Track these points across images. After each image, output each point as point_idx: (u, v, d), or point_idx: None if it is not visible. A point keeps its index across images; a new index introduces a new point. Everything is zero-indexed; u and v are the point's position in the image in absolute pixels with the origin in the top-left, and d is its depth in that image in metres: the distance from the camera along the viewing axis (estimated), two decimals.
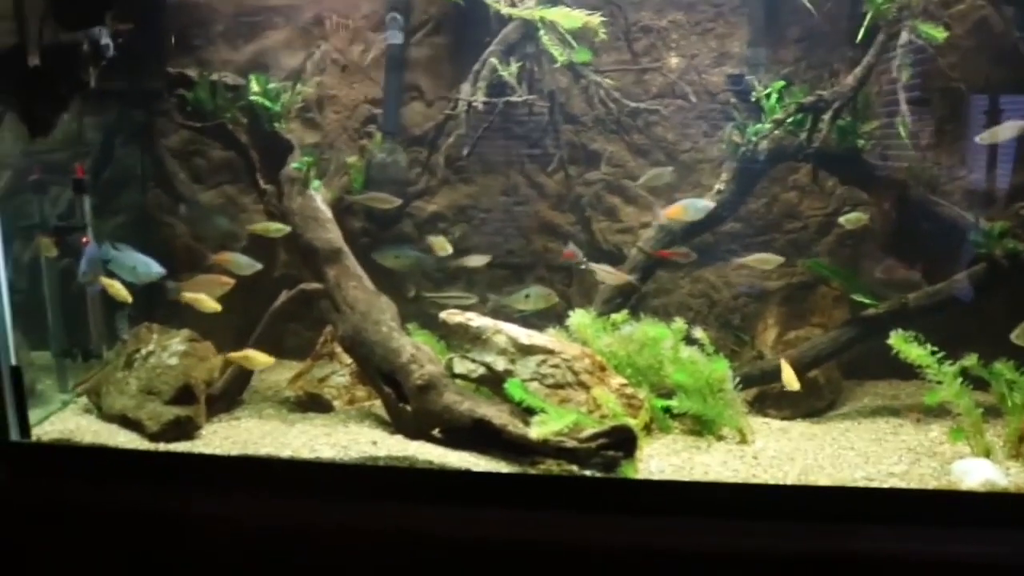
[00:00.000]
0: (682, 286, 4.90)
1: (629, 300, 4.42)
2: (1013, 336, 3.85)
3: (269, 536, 3.31)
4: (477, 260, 4.62)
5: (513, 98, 4.39)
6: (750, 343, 4.64)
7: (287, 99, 4.51)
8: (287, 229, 4.30)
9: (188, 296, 4.12)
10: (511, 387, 3.63)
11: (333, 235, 4.26)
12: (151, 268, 4.20)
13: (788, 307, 4.70)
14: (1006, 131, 4.19)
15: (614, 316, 4.22)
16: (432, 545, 3.23)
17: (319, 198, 4.34)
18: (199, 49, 4.94)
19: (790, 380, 3.98)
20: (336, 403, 4.37)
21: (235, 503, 3.42)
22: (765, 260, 4.41)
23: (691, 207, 4.30)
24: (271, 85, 4.45)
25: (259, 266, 4.30)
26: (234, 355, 4.10)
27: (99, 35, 3.83)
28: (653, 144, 4.81)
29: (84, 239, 4.34)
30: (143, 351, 4.20)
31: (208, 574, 3.36)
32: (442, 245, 4.51)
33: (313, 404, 4.35)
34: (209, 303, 4.09)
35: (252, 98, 4.40)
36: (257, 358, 4.06)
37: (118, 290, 4.13)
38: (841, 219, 4.44)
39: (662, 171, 4.51)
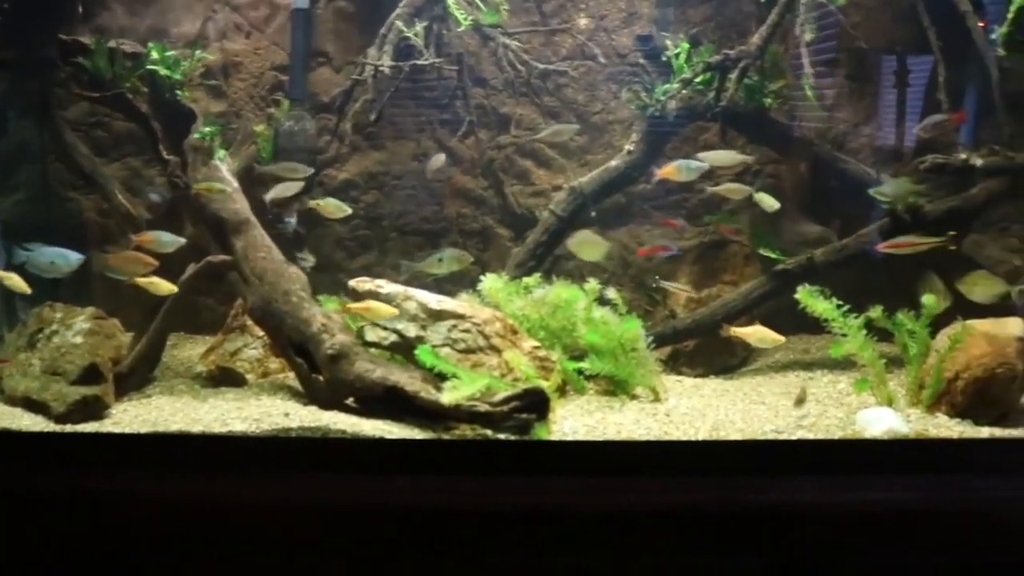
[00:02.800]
0: None
1: (542, 263, 4.43)
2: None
3: (182, 513, 3.26)
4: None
5: (420, 61, 4.34)
6: (663, 302, 4.69)
7: (188, 67, 4.39)
8: (224, 188, 4.19)
9: (142, 281, 4.00)
10: (421, 353, 3.62)
11: (240, 205, 4.17)
12: (69, 258, 4.07)
13: (700, 266, 4.76)
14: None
15: (526, 279, 4.22)
16: (347, 514, 3.21)
17: (224, 168, 4.25)
18: (94, 15, 4.76)
19: (768, 338, 3.99)
20: (249, 376, 4.31)
21: (145, 481, 3.35)
22: (734, 190, 4.46)
23: (684, 167, 4.25)
24: (170, 52, 4.33)
25: (182, 241, 4.17)
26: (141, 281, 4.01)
27: None
28: (564, 106, 4.81)
29: None
30: (46, 331, 4.06)
31: (120, 554, 3.29)
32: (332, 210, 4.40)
33: (225, 378, 4.28)
34: (165, 285, 3.98)
35: (151, 66, 4.27)
36: (161, 285, 3.99)
37: (16, 282, 4.01)
38: (755, 197, 4.45)
39: (565, 127, 4.51)
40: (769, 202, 4.33)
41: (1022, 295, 3.78)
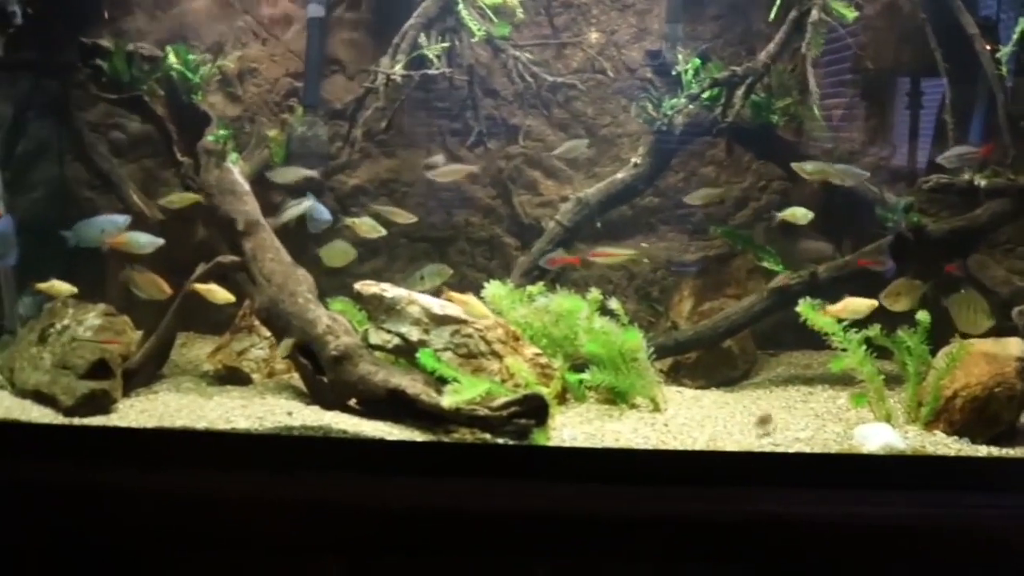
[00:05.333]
0: None
1: (547, 272, 4.48)
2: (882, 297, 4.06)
3: (185, 507, 3.30)
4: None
5: (431, 71, 4.40)
6: (665, 314, 4.72)
7: (206, 71, 4.46)
8: (197, 198, 4.26)
9: (200, 287, 4.09)
10: (423, 357, 3.66)
11: (250, 207, 4.24)
12: (117, 221, 4.17)
13: (704, 279, 4.78)
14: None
15: (530, 288, 4.27)
16: (347, 513, 3.25)
17: (236, 171, 4.31)
18: (115, 19, 4.85)
19: (861, 307, 3.98)
20: (255, 376, 4.36)
21: (149, 475, 3.39)
22: (799, 215, 4.46)
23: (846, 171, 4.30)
24: (190, 57, 4.41)
25: (160, 242, 4.19)
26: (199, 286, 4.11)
27: (5, 2, 3.75)
28: (572, 118, 4.87)
29: None
30: (58, 325, 4.13)
31: (123, 546, 3.34)
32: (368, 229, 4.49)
33: (232, 377, 4.33)
34: (222, 293, 4.07)
35: (170, 69, 4.35)
36: (218, 293, 4.08)
37: (59, 288, 4.15)
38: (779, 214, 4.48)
39: (578, 143, 4.57)
40: (802, 213, 4.37)
41: (1022, 315, 3.79)
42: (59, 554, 3.29)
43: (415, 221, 4.56)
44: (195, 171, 4.33)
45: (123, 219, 4.19)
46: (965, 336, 3.90)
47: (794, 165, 4.31)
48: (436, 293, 4.10)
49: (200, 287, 4.10)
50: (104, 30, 4.73)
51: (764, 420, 3.69)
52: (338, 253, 4.42)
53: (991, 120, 4.21)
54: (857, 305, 3.95)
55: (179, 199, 4.33)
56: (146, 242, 4.16)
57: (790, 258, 4.55)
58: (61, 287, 4.13)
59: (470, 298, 3.94)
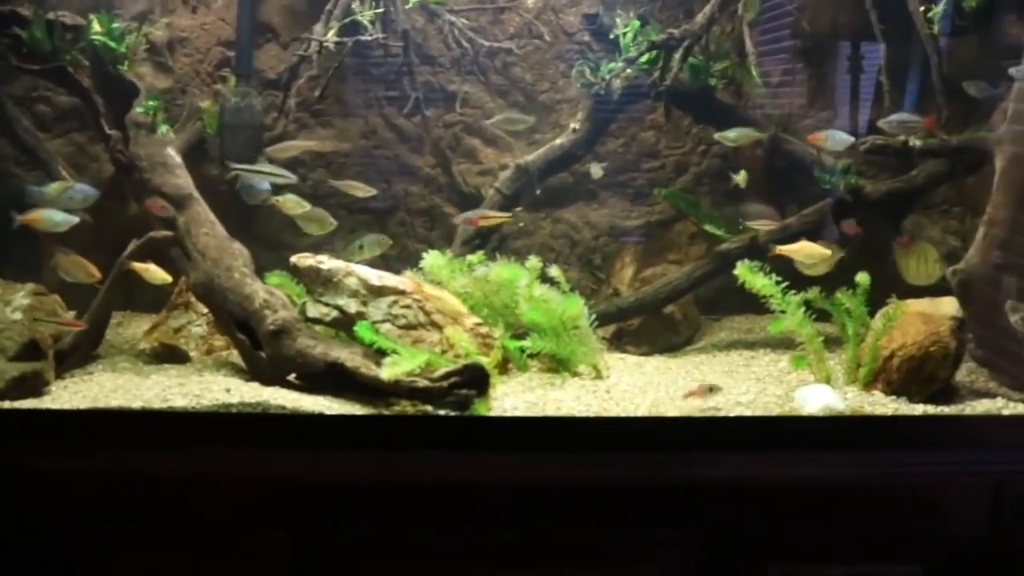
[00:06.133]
0: (543, 227, 4.93)
1: (488, 241, 4.45)
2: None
3: (122, 488, 3.25)
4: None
5: (365, 38, 4.31)
6: (607, 281, 4.72)
7: (132, 40, 4.33)
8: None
9: (138, 267, 3.97)
10: (360, 329, 3.61)
11: (183, 181, 4.13)
12: (88, 192, 4.14)
13: (645, 245, 4.78)
14: None
15: (469, 257, 4.23)
16: (288, 489, 3.22)
17: (168, 143, 4.20)
18: None
19: (815, 252, 4.02)
20: (193, 353, 4.27)
21: (84, 457, 3.32)
22: (355, 187, 4.52)
23: (832, 137, 4.25)
24: (115, 25, 4.27)
25: (75, 220, 4.04)
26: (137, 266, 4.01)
27: None
28: (511, 84, 4.81)
29: None
30: None
31: (59, 529, 3.28)
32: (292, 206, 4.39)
33: (169, 355, 4.24)
34: (160, 273, 3.96)
35: (94, 39, 4.21)
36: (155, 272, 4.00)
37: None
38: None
39: (518, 117, 4.52)
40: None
41: (955, 274, 3.83)
42: None
43: (372, 194, 4.50)
44: (124, 144, 4.20)
45: (92, 191, 4.12)
46: (913, 290, 3.94)
47: (717, 135, 4.35)
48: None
49: (138, 266, 3.99)
50: None
51: (712, 389, 3.70)
52: (316, 220, 4.35)
53: (926, 82, 4.23)
54: (811, 249, 3.98)
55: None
56: (61, 220, 4.01)
57: (732, 222, 4.56)
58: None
59: (445, 293, 3.96)
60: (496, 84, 4.82)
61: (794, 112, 4.81)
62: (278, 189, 4.40)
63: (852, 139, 4.24)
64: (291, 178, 4.38)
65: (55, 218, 4.02)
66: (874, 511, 3.27)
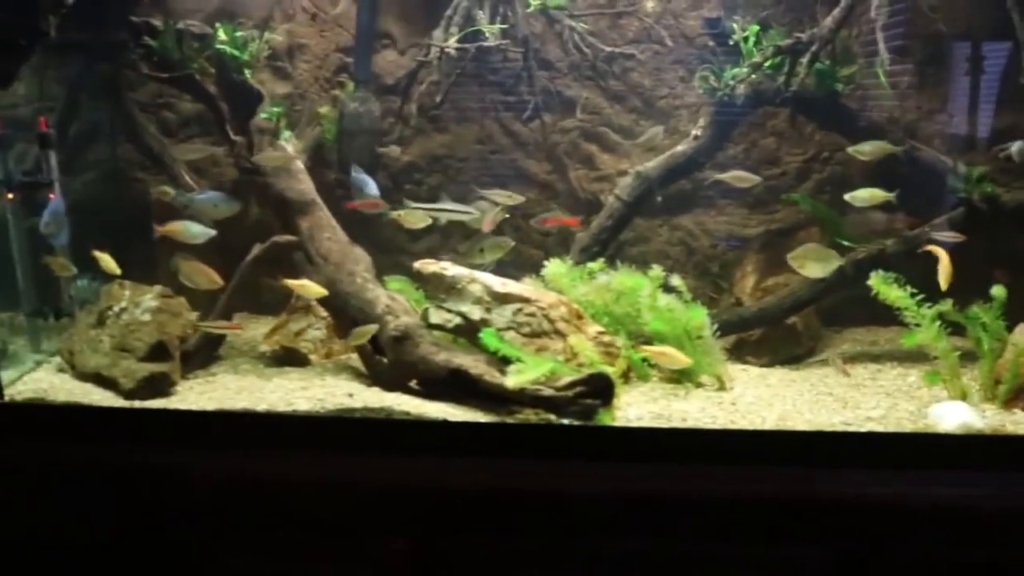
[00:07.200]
0: (660, 234, 4.87)
1: (606, 249, 4.39)
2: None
3: (246, 490, 3.29)
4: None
5: (486, 43, 4.31)
6: (728, 290, 4.63)
7: (255, 48, 4.41)
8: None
9: (293, 283, 4.00)
10: (486, 336, 3.60)
11: (305, 186, 4.19)
12: (231, 202, 4.19)
13: (767, 254, 4.67)
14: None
15: (590, 265, 4.19)
16: (410, 495, 3.22)
17: (290, 148, 4.26)
18: None
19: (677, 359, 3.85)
20: (312, 357, 4.34)
21: (210, 458, 3.38)
22: (742, 178, 4.36)
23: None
24: (238, 33, 4.35)
25: (213, 233, 4.12)
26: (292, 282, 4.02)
27: None
28: (629, 90, 4.76)
29: (51, 195, 4.25)
30: (115, 308, 4.13)
31: (187, 529, 3.34)
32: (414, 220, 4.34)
33: (289, 358, 4.31)
34: (316, 289, 3.94)
35: (219, 47, 4.29)
36: (311, 288, 3.97)
37: (62, 265, 4.12)
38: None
39: (658, 129, 4.48)
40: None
41: None
42: (125, 538, 3.30)
43: (521, 201, 4.40)
44: (248, 150, 4.28)
45: (234, 200, 4.19)
46: None
47: (850, 149, 4.18)
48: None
49: (292, 283, 4.00)
50: (153, 9, 4.68)
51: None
52: (493, 245, 4.28)
53: None
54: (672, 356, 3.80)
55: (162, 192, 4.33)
56: (199, 232, 4.09)
57: (852, 231, 4.43)
58: (108, 261, 4.09)
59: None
60: (614, 89, 4.77)
61: (920, 117, 4.65)
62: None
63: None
64: (473, 212, 4.32)
65: (193, 230, 4.09)
66: (1013, 536, 3.11)
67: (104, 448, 3.44)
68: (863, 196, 4.12)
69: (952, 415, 3.41)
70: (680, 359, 3.78)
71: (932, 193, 4.38)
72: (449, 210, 4.29)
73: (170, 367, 3.90)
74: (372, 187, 4.31)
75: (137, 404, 3.73)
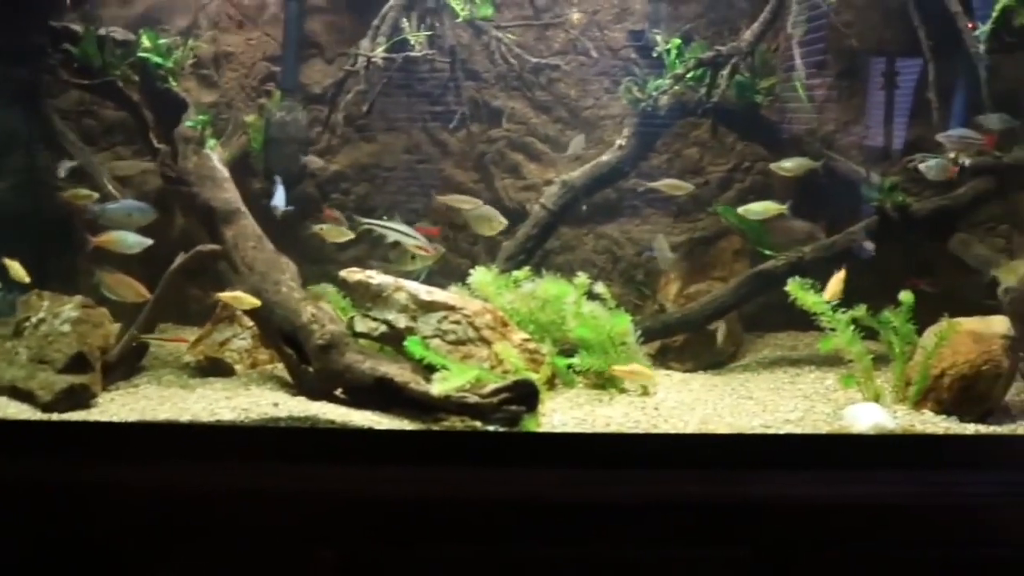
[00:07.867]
0: (586, 243, 4.93)
1: (532, 257, 4.44)
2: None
3: (170, 502, 3.25)
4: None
5: (413, 54, 4.33)
6: (652, 297, 4.70)
7: (179, 55, 4.36)
8: (95, 196, 4.25)
9: (226, 296, 3.92)
10: (410, 344, 3.61)
11: (230, 195, 4.15)
12: (146, 210, 4.12)
13: (689, 261, 4.77)
14: None
15: (516, 273, 4.22)
16: (336, 504, 3.21)
17: (215, 157, 4.22)
18: (84, 2, 4.72)
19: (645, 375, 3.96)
20: (238, 367, 4.29)
21: (132, 470, 3.33)
22: (675, 186, 4.46)
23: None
24: (162, 40, 4.30)
25: (149, 242, 4.09)
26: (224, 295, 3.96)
27: None
28: (555, 101, 4.82)
29: None
30: (33, 319, 4.03)
31: (106, 543, 3.28)
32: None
33: (214, 369, 4.26)
34: (248, 299, 3.86)
35: (142, 54, 4.25)
36: (244, 299, 3.89)
37: (16, 270, 4.04)
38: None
39: (581, 137, 4.55)
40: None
41: (1007, 293, 3.80)
42: (42, 553, 3.23)
43: (504, 225, 4.41)
44: (172, 158, 4.23)
45: (150, 209, 4.13)
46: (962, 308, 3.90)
47: (772, 166, 4.35)
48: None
49: (226, 296, 3.94)
50: (74, 14, 4.60)
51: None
52: (486, 219, 4.34)
53: (974, 98, 4.20)
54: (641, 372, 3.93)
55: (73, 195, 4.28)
56: (134, 242, 4.04)
57: (772, 238, 4.54)
58: (18, 269, 4.03)
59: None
60: (541, 100, 4.83)
61: (837, 129, 4.79)
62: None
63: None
64: (419, 239, 4.33)
65: (128, 240, 4.04)
66: (925, 532, 3.21)
67: (21, 462, 3.37)
68: (757, 209, 4.29)
69: (866, 416, 3.51)
70: (647, 375, 3.89)
71: (849, 203, 4.51)
72: (399, 231, 4.32)
73: (90, 379, 3.82)
74: (278, 196, 4.33)
75: (55, 417, 3.65)
